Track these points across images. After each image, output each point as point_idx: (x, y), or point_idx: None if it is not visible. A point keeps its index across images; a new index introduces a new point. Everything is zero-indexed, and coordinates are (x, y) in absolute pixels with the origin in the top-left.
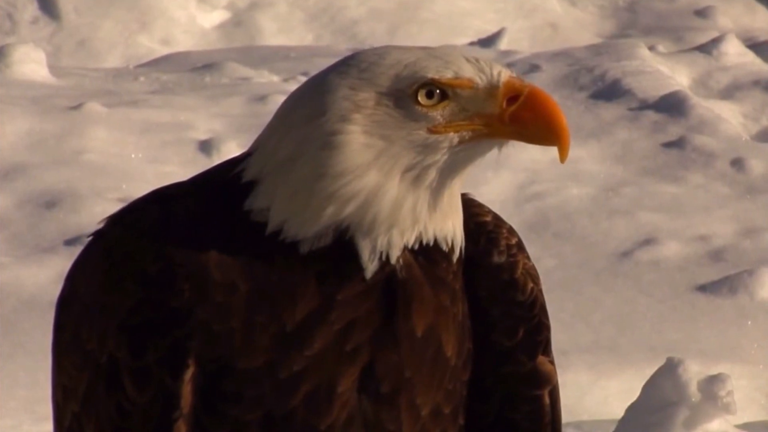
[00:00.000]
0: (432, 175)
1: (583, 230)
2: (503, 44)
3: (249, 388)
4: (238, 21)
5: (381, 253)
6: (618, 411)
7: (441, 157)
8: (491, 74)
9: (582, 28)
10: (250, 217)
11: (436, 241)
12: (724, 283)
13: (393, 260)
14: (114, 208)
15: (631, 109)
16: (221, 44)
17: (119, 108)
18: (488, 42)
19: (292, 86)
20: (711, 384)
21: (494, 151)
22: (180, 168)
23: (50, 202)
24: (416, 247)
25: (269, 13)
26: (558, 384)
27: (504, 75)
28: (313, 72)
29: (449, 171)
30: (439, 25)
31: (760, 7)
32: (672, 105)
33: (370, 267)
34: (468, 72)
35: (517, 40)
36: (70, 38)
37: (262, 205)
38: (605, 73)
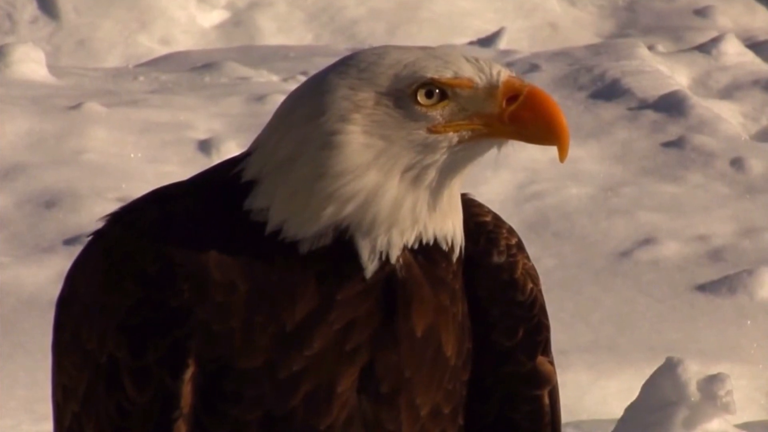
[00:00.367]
0: (432, 174)
1: (583, 230)
2: (503, 44)
3: (249, 388)
4: (237, 21)
5: (381, 252)
6: (617, 411)
7: (440, 156)
8: (491, 74)
9: (581, 28)
10: (250, 216)
11: (436, 240)
12: (723, 283)
13: (393, 260)
14: (113, 207)
15: (630, 109)
16: (221, 44)
17: (119, 108)
18: (488, 42)
19: (292, 86)
20: (710, 384)
21: (493, 151)
22: (179, 168)
23: (50, 202)
24: (416, 246)
25: (269, 12)
26: (557, 384)
27: (503, 75)
28: (313, 72)
29: (449, 171)
30: (439, 24)
31: (760, 7)
32: (671, 105)
33: (370, 267)
34: (467, 72)
35: (517, 40)
36: (70, 38)
37: (261, 204)
38: (605, 72)
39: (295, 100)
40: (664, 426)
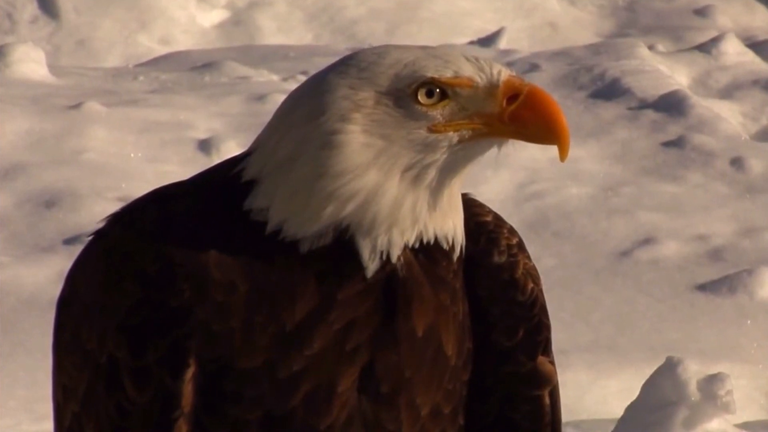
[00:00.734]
0: (432, 174)
1: (583, 229)
2: (502, 44)
3: (249, 387)
4: (237, 20)
5: (381, 252)
6: (617, 410)
7: (441, 156)
8: (491, 73)
9: (581, 28)
10: (250, 216)
11: (436, 239)
12: (723, 283)
13: (393, 259)
14: (113, 207)
15: (630, 109)
16: (220, 43)
17: (119, 107)
18: (487, 41)
19: (292, 85)
20: (710, 383)
21: (493, 150)
22: (179, 167)
23: (50, 202)
24: (416, 245)
25: (268, 12)
26: (558, 384)
27: (504, 74)
28: (313, 71)
29: (449, 170)
30: (439, 24)
31: (760, 7)
32: (671, 104)
33: (371, 266)
34: (468, 71)
35: (517, 40)
36: (70, 37)
37: (261, 204)
38: (604, 72)
39: (295, 99)
40: (664, 426)
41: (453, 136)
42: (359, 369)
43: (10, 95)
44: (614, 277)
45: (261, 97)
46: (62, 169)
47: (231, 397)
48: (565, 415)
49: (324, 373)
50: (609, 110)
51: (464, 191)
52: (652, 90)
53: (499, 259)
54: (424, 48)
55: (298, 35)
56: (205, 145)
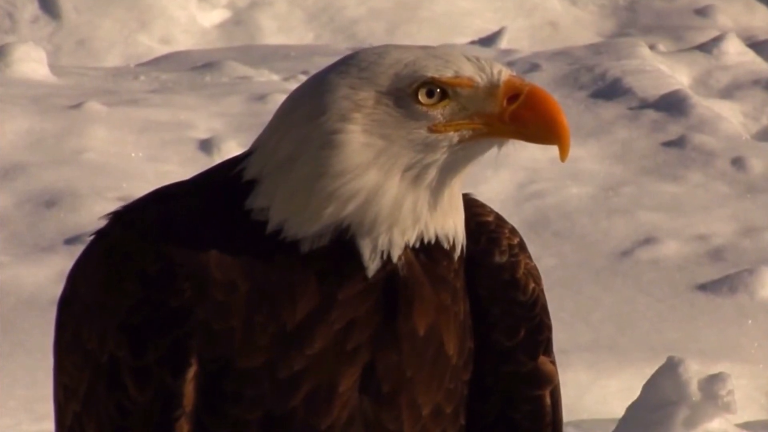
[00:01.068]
0: (432, 173)
1: (583, 229)
2: (503, 43)
3: (249, 387)
4: (238, 20)
5: (382, 252)
6: (618, 410)
7: (441, 155)
8: (491, 73)
9: (582, 27)
10: (251, 216)
11: (437, 239)
12: (724, 283)
13: (394, 259)
14: (114, 207)
15: (631, 108)
16: (221, 43)
17: (119, 107)
18: (488, 41)
19: (292, 85)
20: (711, 383)
21: (494, 150)
22: (180, 167)
23: (50, 201)
24: (417, 245)
25: (269, 12)
26: (559, 384)
27: (504, 74)
28: (313, 71)
29: (449, 170)
30: (439, 24)
31: (760, 6)
32: (672, 104)
33: (372, 266)
34: (468, 71)
35: (517, 40)
36: (70, 37)
37: (262, 204)
38: (605, 72)
39: (295, 99)
40: (664, 425)
41: (453, 136)
42: (360, 369)
43: (11, 95)
44: (614, 276)
45: (261, 97)
46: (62, 169)
47: (232, 396)
48: (566, 415)
49: (325, 373)
50: (609, 110)
51: (464, 191)
52: (653, 90)
53: (500, 259)
54: (424, 48)
55: (299, 35)
56: (205, 145)
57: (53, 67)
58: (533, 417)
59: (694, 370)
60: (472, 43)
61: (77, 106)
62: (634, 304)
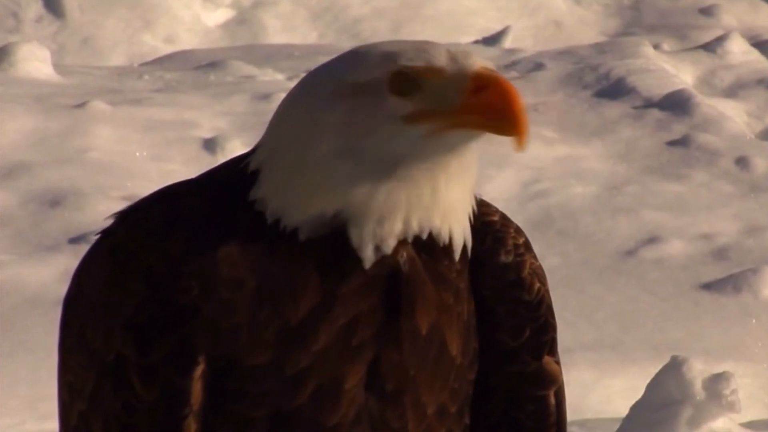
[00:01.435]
0: (405, 165)
1: (587, 228)
2: (507, 42)
3: (255, 385)
4: (242, 19)
5: (370, 242)
6: (622, 409)
7: (414, 147)
8: (461, 64)
9: (586, 27)
10: (254, 209)
11: (436, 237)
12: (728, 282)
13: (387, 251)
14: (118, 206)
15: (635, 108)
16: (225, 42)
17: (123, 106)
18: (492, 40)
19: None
20: (715, 382)
21: (497, 149)
22: (184, 166)
23: (54, 201)
24: (410, 239)
25: (273, 11)
26: (563, 384)
27: (475, 65)
28: None
29: (423, 162)
30: (443, 23)
31: (764, 6)
32: (676, 103)
33: (365, 257)
34: (438, 61)
35: (521, 39)
36: (75, 36)
37: (260, 194)
38: (609, 71)
39: (292, 93)
40: (669, 425)
41: (424, 127)
42: (365, 366)
43: (15, 94)
44: (618, 276)
45: (266, 96)
46: (67, 168)
47: (238, 394)
48: (570, 414)
49: (330, 371)
50: (614, 109)
51: None
52: (657, 89)
53: (505, 258)
54: (414, 42)
55: (303, 34)
56: (209, 144)
57: (57, 67)
58: (537, 417)
59: (698, 370)
60: (476, 42)
61: (81, 105)
62: (638, 304)
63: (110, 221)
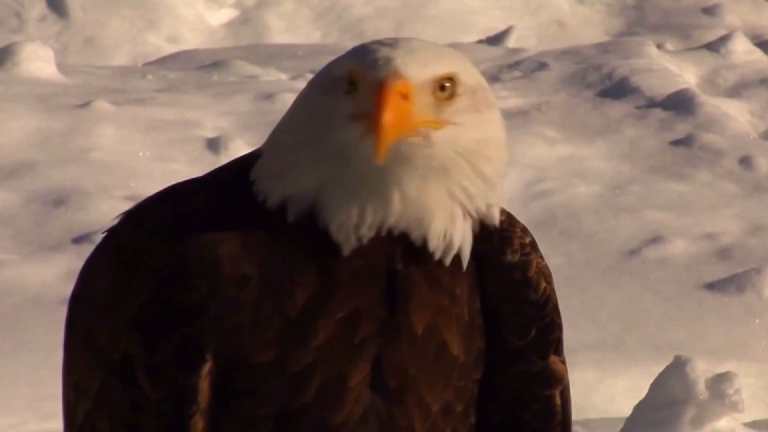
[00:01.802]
0: (353, 161)
1: (590, 228)
2: (510, 42)
3: (261, 383)
4: (245, 19)
5: (343, 229)
6: (625, 409)
7: (357, 145)
8: (377, 71)
9: (589, 26)
10: (257, 205)
11: (418, 239)
12: (731, 281)
13: (363, 241)
14: (121, 205)
15: (638, 107)
16: (228, 42)
17: (126, 106)
18: (495, 40)
19: (300, 84)
20: (718, 382)
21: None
22: (187, 166)
23: (57, 200)
24: (383, 233)
25: (276, 11)
26: (569, 384)
27: (389, 70)
28: None
29: (369, 160)
30: (445, 23)
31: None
32: (679, 103)
33: (342, 243)
34: (360, 65)
35: (525, 38)
36: (78, 36)
37: (254, 175)
38: (613, 71)
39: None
40: (672, 424)
41: (358, 127)
42: (369, 364)
43: (18, 94)
44: (621, 275)
45: (269, 96)
46: (70, 168)
47: (244, 392)
48: (573, 414)
49: (334, 368)
50: (617, 109)
51: None
52: (661, 88)
53: (511, 257)
54: (389, 41)
55: (306, 34)
56: (213, 144)
57: (61, 66)
58: (542, 417)
59: (702, 369)
60: (479, 41)
61: (85, 105)
62: (641, 303)
63: (115, 221)
